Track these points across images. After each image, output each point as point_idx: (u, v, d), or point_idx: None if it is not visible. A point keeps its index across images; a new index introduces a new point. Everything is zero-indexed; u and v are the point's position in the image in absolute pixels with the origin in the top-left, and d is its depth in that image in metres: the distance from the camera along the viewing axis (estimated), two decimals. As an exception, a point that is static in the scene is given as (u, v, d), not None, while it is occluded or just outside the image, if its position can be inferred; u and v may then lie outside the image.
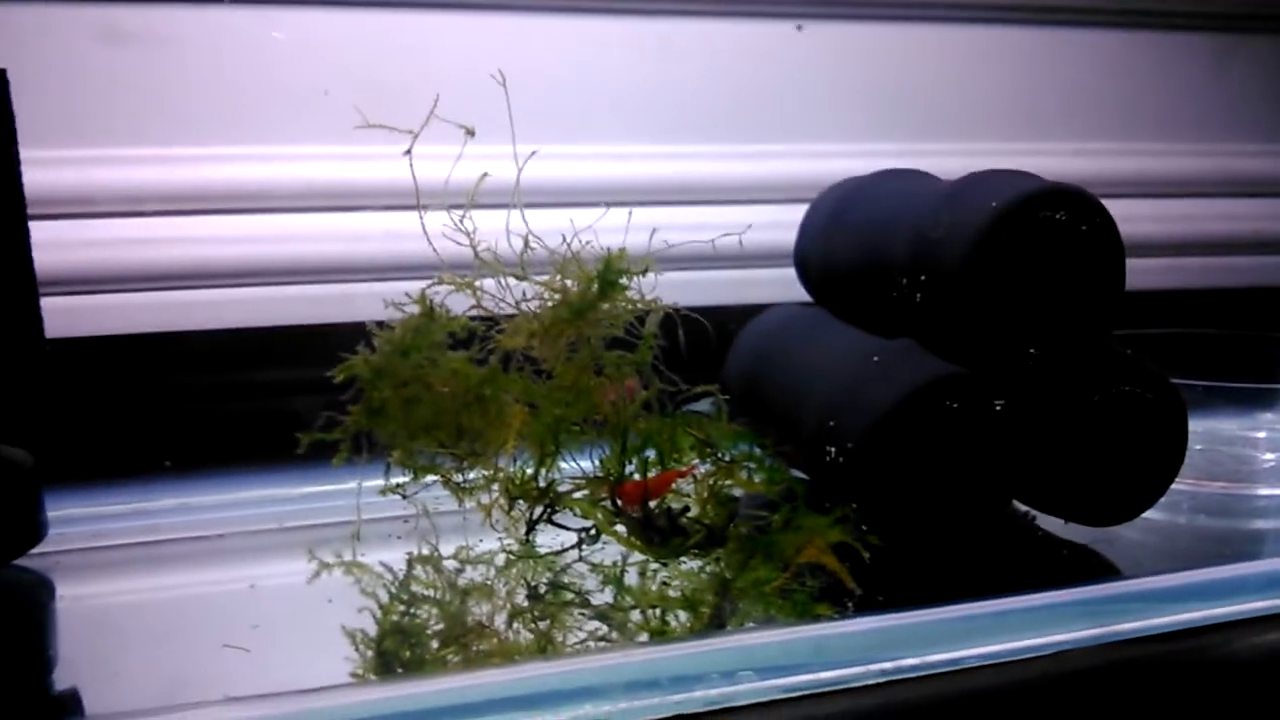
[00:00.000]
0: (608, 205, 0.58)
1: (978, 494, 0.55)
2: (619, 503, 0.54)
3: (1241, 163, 1.03)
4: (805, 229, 0.68)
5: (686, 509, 0.53)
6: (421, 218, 0.55)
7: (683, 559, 0.54)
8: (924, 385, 0.53)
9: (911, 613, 0.49)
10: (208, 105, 0.75)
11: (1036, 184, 0.54)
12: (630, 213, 0.57)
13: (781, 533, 0.53)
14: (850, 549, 0.51)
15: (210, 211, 0.76)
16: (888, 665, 0.47)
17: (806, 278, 0.69)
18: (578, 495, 0.56)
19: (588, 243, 0.56)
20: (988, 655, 0.49)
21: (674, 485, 0.54)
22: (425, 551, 0.57)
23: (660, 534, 0.52)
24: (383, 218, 0.78)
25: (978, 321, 0.55)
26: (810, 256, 0.67)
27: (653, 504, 0.53)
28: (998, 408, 0.54)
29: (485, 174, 0.54)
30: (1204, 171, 1.02)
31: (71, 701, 0.45)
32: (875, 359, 0.56)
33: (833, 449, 0.55)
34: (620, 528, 0.53)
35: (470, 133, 0.54)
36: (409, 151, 0.54)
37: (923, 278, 0.56)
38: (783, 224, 0.71)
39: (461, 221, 0.56)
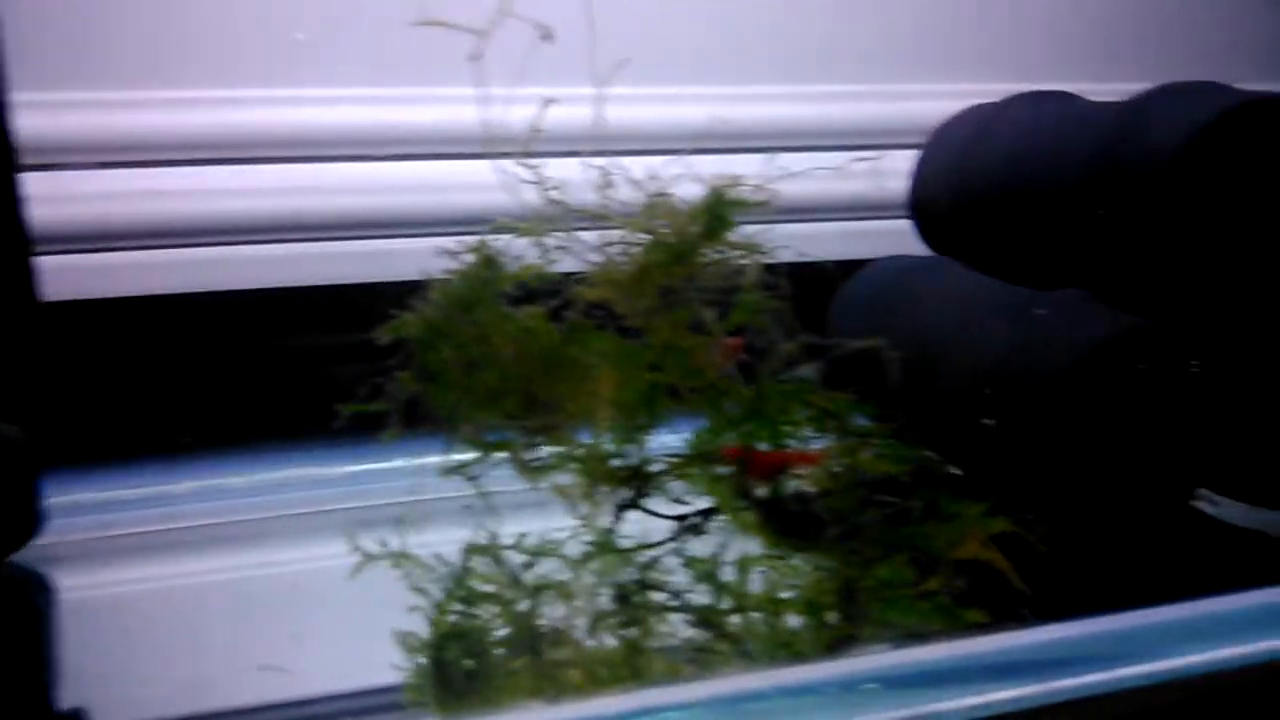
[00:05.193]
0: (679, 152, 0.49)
1: (1162, 475, 0.46)
2: (743, 481, 0.44)
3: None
4: (927, 167, 0.58)
5: (822, 493, 0.44)
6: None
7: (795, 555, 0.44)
8: (1109, 340, 0.44)
9: (1097, 620, 0.40)
10: (222, 42, 0.65)
11: (1248, 95, 0.44)
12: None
13: (925, 523, 0.44)
14: (1009, 543, 0.42)
15: (225, 161, 0.66)
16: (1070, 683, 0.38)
17: (928, 222, 0.59)
18: (688, 472, 0.46)
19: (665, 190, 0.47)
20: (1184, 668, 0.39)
21: (801, 468, 0.45)
22: (489, 540, 0.48)
23: (792, 522, 0.43)
24: (421, 166, 0.69)
25: (1181, 243, 0.44)
26: (935, 197, 0.57)
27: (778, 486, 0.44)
28: (1194, 369, 0.45)
29: (551, 100, 0.46)
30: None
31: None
32: (1040, 312, 0.46)
33: (990, 421, 0.45)
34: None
35: (548, 37, 0.44)
36: (476, 57, 0.44)
37: (1108, 201, 0.45)
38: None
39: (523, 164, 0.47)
